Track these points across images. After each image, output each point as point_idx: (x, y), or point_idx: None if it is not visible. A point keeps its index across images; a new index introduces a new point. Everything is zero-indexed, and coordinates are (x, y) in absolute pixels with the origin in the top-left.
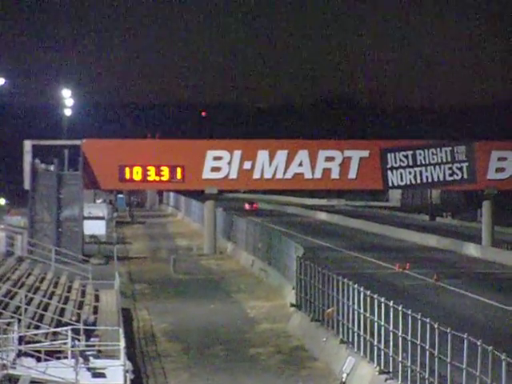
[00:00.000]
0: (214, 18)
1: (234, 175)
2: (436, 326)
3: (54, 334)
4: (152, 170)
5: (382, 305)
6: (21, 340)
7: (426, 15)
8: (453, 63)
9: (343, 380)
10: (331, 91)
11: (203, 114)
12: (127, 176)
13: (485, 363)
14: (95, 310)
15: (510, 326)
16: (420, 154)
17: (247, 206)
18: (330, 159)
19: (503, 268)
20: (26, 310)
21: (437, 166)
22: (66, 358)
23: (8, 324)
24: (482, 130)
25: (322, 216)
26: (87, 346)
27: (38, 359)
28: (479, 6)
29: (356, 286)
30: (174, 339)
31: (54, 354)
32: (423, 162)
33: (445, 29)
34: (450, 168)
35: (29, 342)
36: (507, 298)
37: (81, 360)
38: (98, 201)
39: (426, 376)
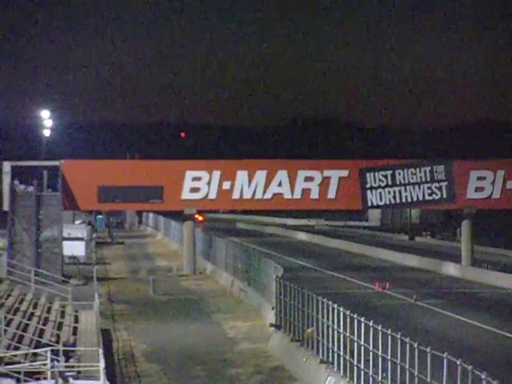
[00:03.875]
0: (194, 39)
1: (213, 195)
2: (416, 345)
3: (34, 354)
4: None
5: (362, 324)
6: (0, 361)
7: (403, 35)
8: (432, 83)
9: None
10: (310, 111)
11: (182, 134)
12: (106, 197)
13: (465, 382)
14: (75, 331)
15: (488, 345)
16: (399, 174)
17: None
18: (309, 179)
19: (482, 287)
20: (5, 331)
21: (416, 186)
22: (45, 378)
23: None
24: (460, 150)
25: (302, 236)
26: (67, 366)
27: (18, 380)
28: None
29: (336, 305)
30: (154, 360)
31: (34, 375)
32: (402, 182)
33: (424, 48)
34: (429, 187)
35: (8, 363)
36: (486, 317)
37: (60, 381)
38: (77, 222)
39: None
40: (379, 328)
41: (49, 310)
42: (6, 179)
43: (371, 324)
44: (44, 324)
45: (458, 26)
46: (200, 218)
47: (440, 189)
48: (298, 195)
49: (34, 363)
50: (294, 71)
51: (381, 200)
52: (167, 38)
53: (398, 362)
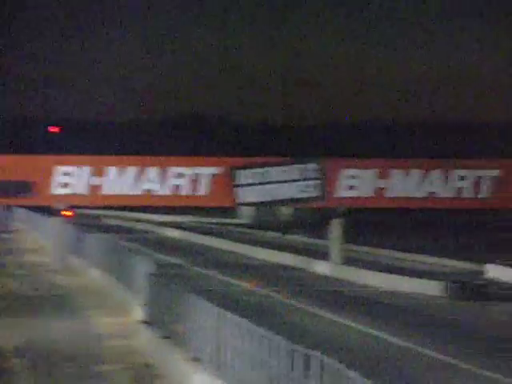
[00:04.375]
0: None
1: (83, 191)
2: (286, 343)
3: None
4: None
5: (232, 322)
6: None
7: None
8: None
9: None
10: (182, 107)
11: (54, 129)
12: None
13: (335, 382)
14: None
15: (354, 343)
16: (271, 171)
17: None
18: (180, 176)
19: (352, 286)
20: None
21: (288, 184)
22: None
23: None
24: (333, 148)
25: (173, 233)
26: None
27: None
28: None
29: (206, 302)
30: (21, 356)
31: None
32: (274, 180)
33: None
34: (301, 185)
35: None
36: (351, 314)
37: None
38: None
39: None
40: (249, 325)
41: None
42: None
43: (241, 321)
44: None
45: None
46: (68, 214)
47: (311, 187)
48: (168, 191)
49: None
50: (163, 68)
51: (253, 197)
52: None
53: (269, 359)
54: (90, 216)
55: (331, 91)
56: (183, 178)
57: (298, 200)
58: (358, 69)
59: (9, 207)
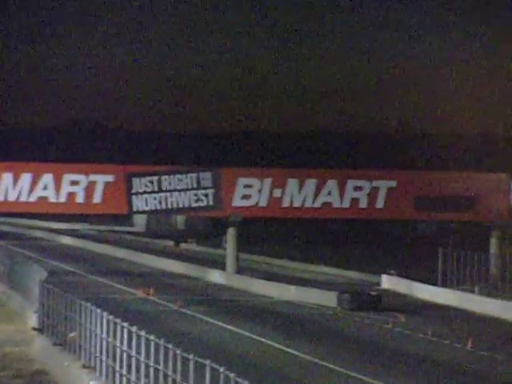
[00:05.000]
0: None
1: None
2: (179, 352)
3: None
4: None
5: (125, 330)
6: None
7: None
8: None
9: None
10: (78, 114)
11: None
12: None
13: None
14: None
15: (249, 352)
16: (166, 180)
17: None
18: (75, 183)
19: (247, 295)
20: None
21: (182, 192)
22: None
23: None
24: (230, 156)
25: (67, 240)
26: None
27: None
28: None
29: (99, 310)
30: None
31: None
32: (169, 188)
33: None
34: (196, 194)
35: None
36: (249, 324)
37: None
38: None
39: None
40: (142, 333)
41: None
42: None
43: (134, 329)
44: None
45: None
46: None
47: (207, 196)
48: (63, 199)
49: None
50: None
51: (146, 205)
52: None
53: (161, 368)
54: None
55: (228, 100)
56: (78, 185)
57: (192, 209)
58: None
59: None
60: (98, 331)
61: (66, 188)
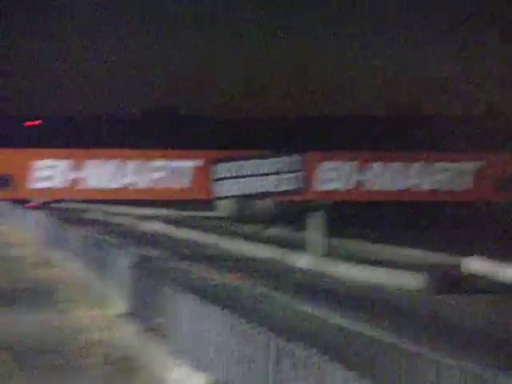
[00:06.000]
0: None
1: (62, 185)
2: (262, 336)
3: None
4: None
5: (213, 315)
6: None
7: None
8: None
9: None
10: (161, 101)
11: (32, 123)
12: None
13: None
14: None
15: (331, 337)
16: (249, 165)
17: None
18: (159, 169)
19: (334, 279)
20: None
21: (266, 177)
22: None
23: None
24: (312, 140)
25: (152, 226)
26: None
27: None
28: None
29: (186, 295)
30: (3, 348)
31: None
32: (252, 173)
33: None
34: (281, 178)
35: None
36: (335, 308)
37: None
38: None
39: None
40: (230, 318)
41: None
42: None
43: (223, 314)
44: None
45: None
46: (32, 205)
47: (290, 180)
48: (148, 185)
49: None
50: (143, 61)
51: (231, 191)
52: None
53: (249, 353)
54: (70, 210)
55: (309, 83)
56: (162, 171)
57: (276, 193)
58: (336, 62)
59: None
60: (186, 317)
61: (151, 174)
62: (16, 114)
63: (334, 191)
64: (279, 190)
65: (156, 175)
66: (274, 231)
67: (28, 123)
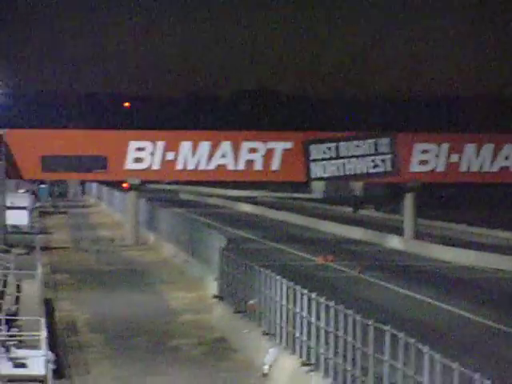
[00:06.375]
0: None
1: (156, 166)
2: (358, 318)
3: None
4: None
5: (305, 297)
6: None
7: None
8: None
9: (265, 372)
10: (254, 82)
11: (127, 104)
12: (50, 166)
13: (408, 356)
14: (17, 300)
15: (431, 318)
16: (343, 146)
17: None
18: (253, 150)
19: (425, 261)
20: None
21: (360, 158)
22: None
23: None
24: (405, 122)
25: (245, 207)
26: (8, 336)
27: None
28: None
29: (278, 277)
30: (96, 330)
31: None
32: (346, 154)
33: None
34: (373, 160)
35: None
36: (428, 290)
37: (2, 350)
38: (21, 191)
39: (349, 368)
40: (321, 300)
41: None
42: None
43: (313, 296)
44: None
45: None
46: (125, 185)
47: (384, 161)
48: (241, 166)
49: None
50: (236, 42)
51: (324, 172)
52: (106, 13)
53: (341, 334)
54: (163, 191)
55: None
56: (256, 153)
57: (370, 175)
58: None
59: (83, 182)
60: (278, 298)
61: (244, 156)
62: (115, 94)
63: (427, 173)
64: (372, 171)
65: (250, 157)
66: (366, 212)
67: (125, 104)
